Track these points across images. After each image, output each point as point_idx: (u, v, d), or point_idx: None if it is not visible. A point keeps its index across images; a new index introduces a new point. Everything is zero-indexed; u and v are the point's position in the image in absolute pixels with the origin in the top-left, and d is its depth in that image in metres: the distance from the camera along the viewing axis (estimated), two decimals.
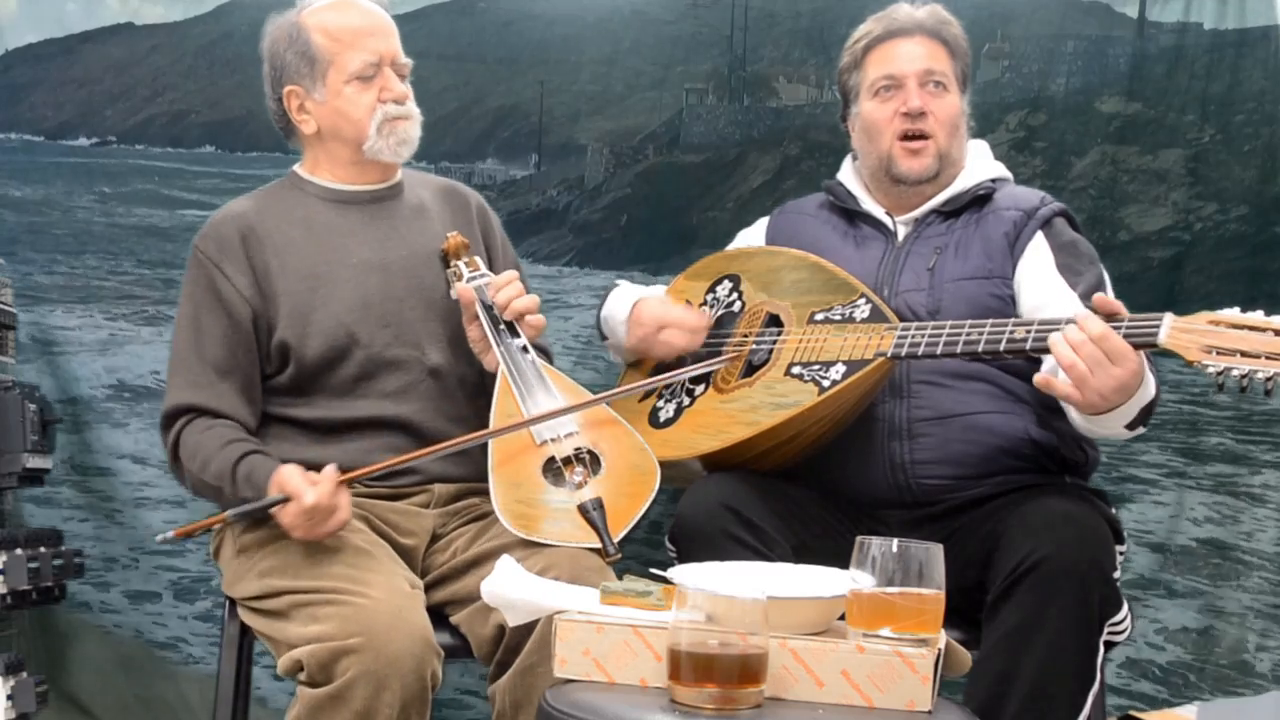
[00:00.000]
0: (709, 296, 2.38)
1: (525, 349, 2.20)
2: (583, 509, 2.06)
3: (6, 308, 2.86)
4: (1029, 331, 1.97)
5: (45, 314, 3.18)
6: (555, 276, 3.21)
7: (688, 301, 2.39)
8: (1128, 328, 1.88)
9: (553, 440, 2.13)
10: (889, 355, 2.07)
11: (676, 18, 3.26)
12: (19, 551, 2.56)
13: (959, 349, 2.02)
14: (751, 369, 2.23)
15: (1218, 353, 1.81)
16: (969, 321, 2.04)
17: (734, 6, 3.21)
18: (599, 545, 2.03)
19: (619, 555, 2.03)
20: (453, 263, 2.26)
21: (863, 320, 2.15)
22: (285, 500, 1.95)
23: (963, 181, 2.30)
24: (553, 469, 2.11)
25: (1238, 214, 3.04)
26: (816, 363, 2.13)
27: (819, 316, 2.20)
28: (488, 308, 2.20)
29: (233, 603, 2.14)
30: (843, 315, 2.18)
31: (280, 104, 2.25)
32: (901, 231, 2.31)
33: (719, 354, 2.28)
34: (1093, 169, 3.08)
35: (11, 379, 2.81)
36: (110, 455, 3.13)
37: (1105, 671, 1.98)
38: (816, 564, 1.74)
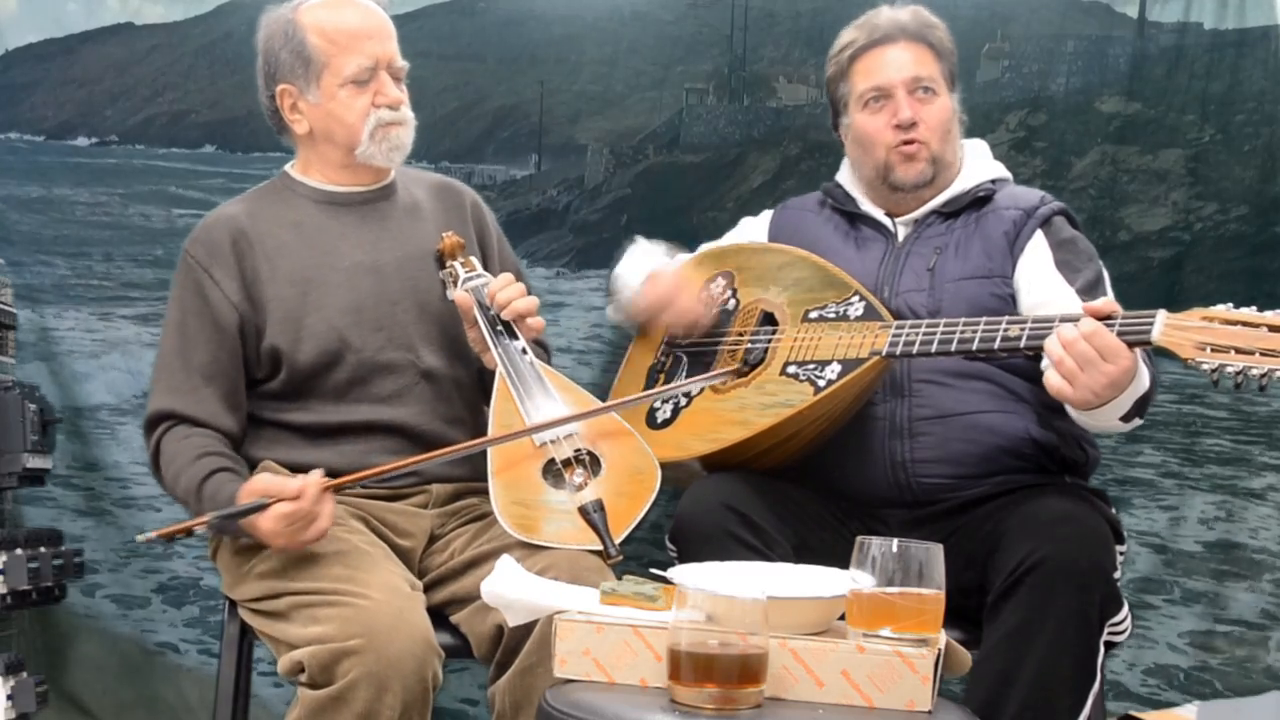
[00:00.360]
0: (703, 294, 2.38)
1: (524, 350, 2.19)
2: (583, 511, 2.05)
3: (6, 308, 2.86)
4: (1023, 329, 1.97)
5: (45, 314, 3.18)
6: (554, 279, 3.21)
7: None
8: (1121, 325, 1.88)
9: (552, 442, 2.12)
10: (884, 354, 2.07)
11: (676, 18, 3.26)
12: (19, 551, 2.56)
13: (953, 347, 2.02)
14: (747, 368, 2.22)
15: (1211, 349, 1.81)
16: (963, 320, 2.04)
17: (734, 6, 3.21)
18: (600, 547, 2.03)
19: (620, 557, 2.02)
20: (448, 263, 2.25)
21: (857, 318, 2.15)
22: (264, 506, 1.92)
23: (962, 183, 2.30)
24: (553, 471, 2.11)
25: (1238, 214, 3.04)
26: (811, 362, 2.13)
27: (813, 314, 2.20)
28: (485, 310, 2.19)
29: (232, 603, 2.14)
30: (837, 313, 2.18)
31: (273, 101, 2.24)
32: (901, 232, 2.30)
33: (716, 352, 2.28)
34: (1093, 169, 3.08)
35: (11, 379, 2.81)
36: (108, 455, 3.13)
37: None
38: (817, 563, 1.74)
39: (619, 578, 1.76)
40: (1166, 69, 3.07)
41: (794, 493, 2.17)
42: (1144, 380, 1.98)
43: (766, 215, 2.47)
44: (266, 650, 2.09)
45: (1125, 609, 1.98)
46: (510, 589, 1.72)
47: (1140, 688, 2.93)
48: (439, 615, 2.09)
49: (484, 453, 2.13)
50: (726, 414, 2.18)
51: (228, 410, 2.15)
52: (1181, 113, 3.05)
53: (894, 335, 2.07)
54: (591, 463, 2.12)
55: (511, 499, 2.08)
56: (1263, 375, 1.78)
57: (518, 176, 3.30)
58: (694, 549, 2.02)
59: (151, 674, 3.12)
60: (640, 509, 2.07)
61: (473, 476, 2.18)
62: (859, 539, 1.53)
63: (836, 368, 2.10)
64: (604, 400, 2.27)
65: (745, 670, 1.40)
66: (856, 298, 2.17)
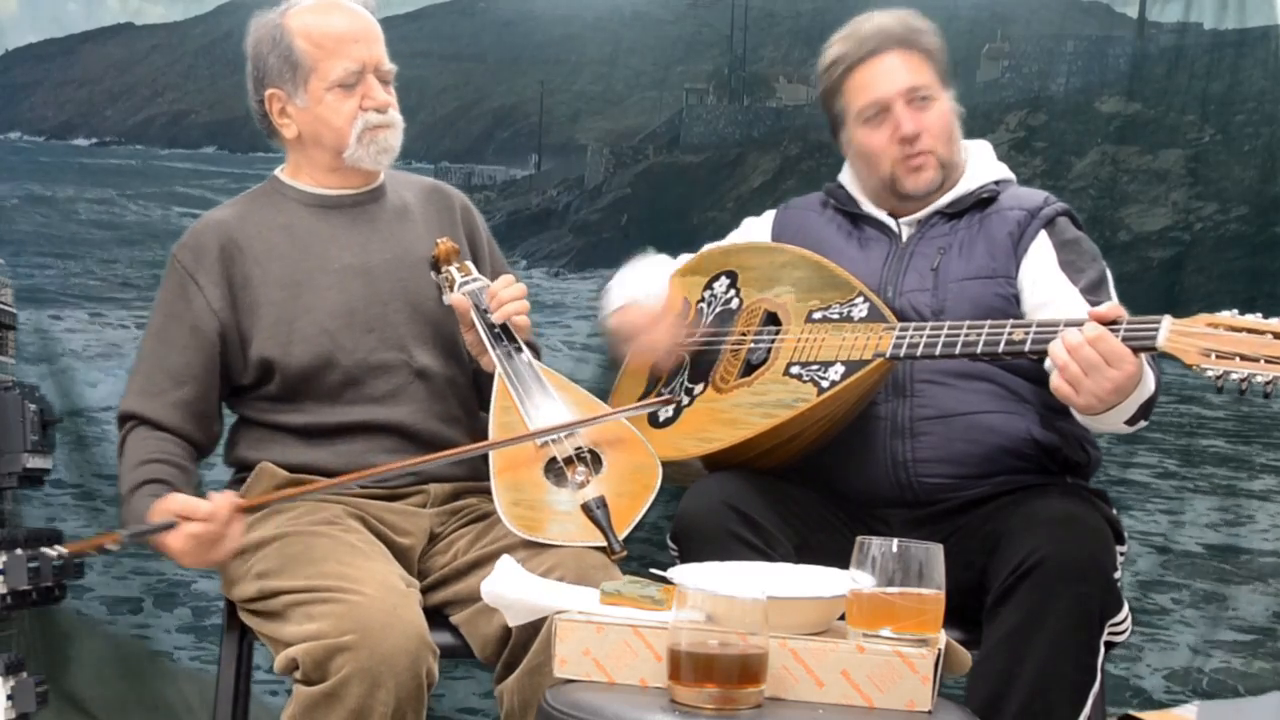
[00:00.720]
0: (706, 293, 2.38)
1: (521, 351, 2.20)
2: (586, 508, 2.06)
3: (6, 308, 2.86)
4: (1027, 333, 1.97)
5: (45, 314, 3.18)
6: (554, 279, 3.21)
7: (685, 299, 2.38)
8: (1126, 331, 1.88)
9: (553, 441, 2.13)
10: (887, 356, 2.07)
11: (676, 18, 3.27)
12: (19, 551, 2.56)
13: (957, 350, 2.02)
14: (750, 368, 2.22)
15: (1217, 356, 1.81)
16: (967, 322, 2.04)
17: (734, 6, 3.22)
18: (604, 544, 2.03)
19: (624, 553, 2.03)
20: (444, 269, 2.26)
21: (860, 319, 2.15)
22: (172, 526, 1.95)
23: (966, 184, 2.29)
24: (554, 469, 2.11)
25: (1238, 214, 3.04)
26: (815, 363, 2.13)
27: (817, 315, 2.20)
28: (482, 313, 2.20)
29: (231, 605, 2.14)
30: (840, 314, 2.17)
31: (262, 105, 2.25)
32: (905, 232, 2.30)
33: (719, 352, 2.28)
34: (1093, 169, 3.08)
35: (11, 379, 2.81)
36: (107, 457, 3.13)
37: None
38: (818, 563, 1.74)
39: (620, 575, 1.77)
40: (1166, 69, 3.07)
41: (795, 492, 2.17)
42: (1149, 384, 1.98)
43: (769, 215, 2.47)
44: (264, 657, 2.09)
45: (1125, 609, 1.98)
46: (510, 589, 1.72)
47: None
48: (441, 616, 2.09)
49: (485, 455, 2.14)
50: (729, 413, 2.18)
51: (191, 416, 2.18)
52: (1181, 113, 3.05)
53: (898, 337, 2.07)
54: (593, 460, 2.12)
55: (514, 499, 2.08)
56: (1268, 382, 1.78)
57: (518, 176, 3.30)
58: (695, 548, 2.02)
59: (151, 674, 3.12)
60: (643, 505, 2.08)
61: (471, 476, 2.19)
62: (859, 539, 1.53)
63: (840, 369, 2.10)
64: (601, 397, 2.28)
65: (745, 670, 1.40)
66: (861, 299, 2.17)
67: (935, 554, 1.50)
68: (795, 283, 2.26)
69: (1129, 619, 2.00)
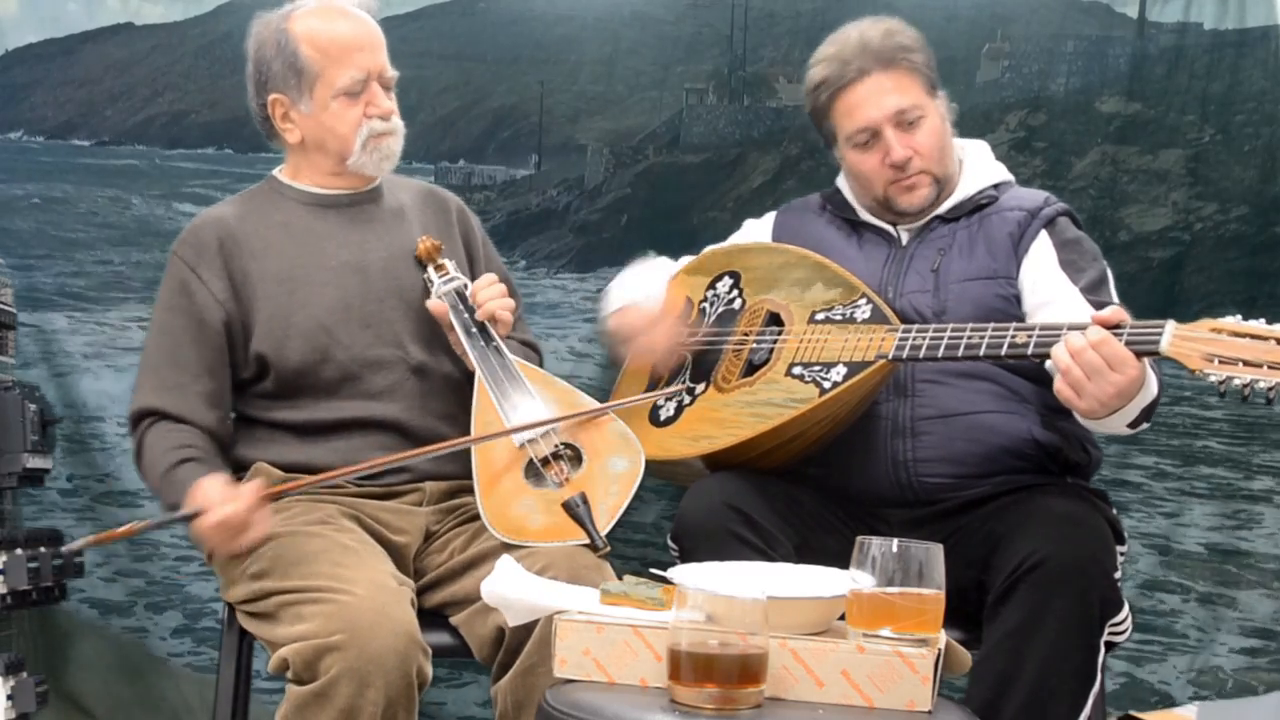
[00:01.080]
0: (709, 293, 2.38)
1: (500, 351, 2.20)
2: (567, 506, 2.06)
3: (6, 308, 2.86)
4: (1030, 336, 1.97)
5: (45, 314, 3.18)
6: (554, 279, 3.21)
7: (688, 299, 2.39)
8: (1129, 335, 1.88)
9: (530, 442, 2.13)
10: (890, 358, 2.07)
11: (676, 18, 3.27)
12: (19, 551, 2.56)
13: (960, 352, 2.02)
14: (752, 368, 2.22)
15: (1220, 361, 1.81)
16: (970, 325, 2.03)
17: (734, 6, 3.22)
18: (587, 541, 2.03)
19: (608, 548, 2.03)
20: (426, 268, 2.27)
21: (863, 321, 2.14)
22: (197, 514, 1.96)
23: (964, 189, 2.29)
24: (534, 470, 2.12)
25: (1238, 214, 3.04)
26: (817, 363, 2.13)
27: (820, 316, 2.20)
28: (459, 313, 2.21)
29: (230, 605, 2.14)
30: (843, 315, 2.17)
31: (264, 108, 2.25)
32: (904, 236, 2.30)
33: (721, 352, 2.28)
34: (1093, 169, 3.08)
35: (11, 379, 2.81)
36: (105, 457, 3.13)
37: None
38: (819, 563, 1.74)
39: (618, 574, 1.77)
40: (1166, 69, 3.07)
41: (796, 492, 2.16)
42: (1152, 388, 1.98)
43: (770, 217, 2.47)
44: (262, 662, 2.09)
45: (1126, 609, 1.98)
46: (510, 589, 1.72)
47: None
48: (438, 616, 2.09)
49: (469, 452, 2.14)
50: (730, 413, 2.18)
51: (210, 408, 2.17)
52: (1181, 113, 3.05)
53: (900, 339, 2.07)
54: (572, 457, 2.13)
55: (495, 503, 2.09)
56: (1270, 388, 1.78)
57: (518, 176, 3.31)
58: (696, 548, 2.02)
59: (151, 674, 3.12)
60: (625, 498, 2.08)
61: (466, 474, 2.19)
62: (859, 539, 1.53)
63: (842, 370, 2.10)
64: (601, 397, 2.29)
65: (745, 670, 1.40)
66: (864, 300, 2.17)
67: (935, 554, 1.51)
68: (798, 283, 2.26)
69: (1129, 619, 2.00)
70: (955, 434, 2.14)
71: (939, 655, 1.48)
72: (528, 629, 1.90)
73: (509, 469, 2.12)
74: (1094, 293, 2.14)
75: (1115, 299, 2.15)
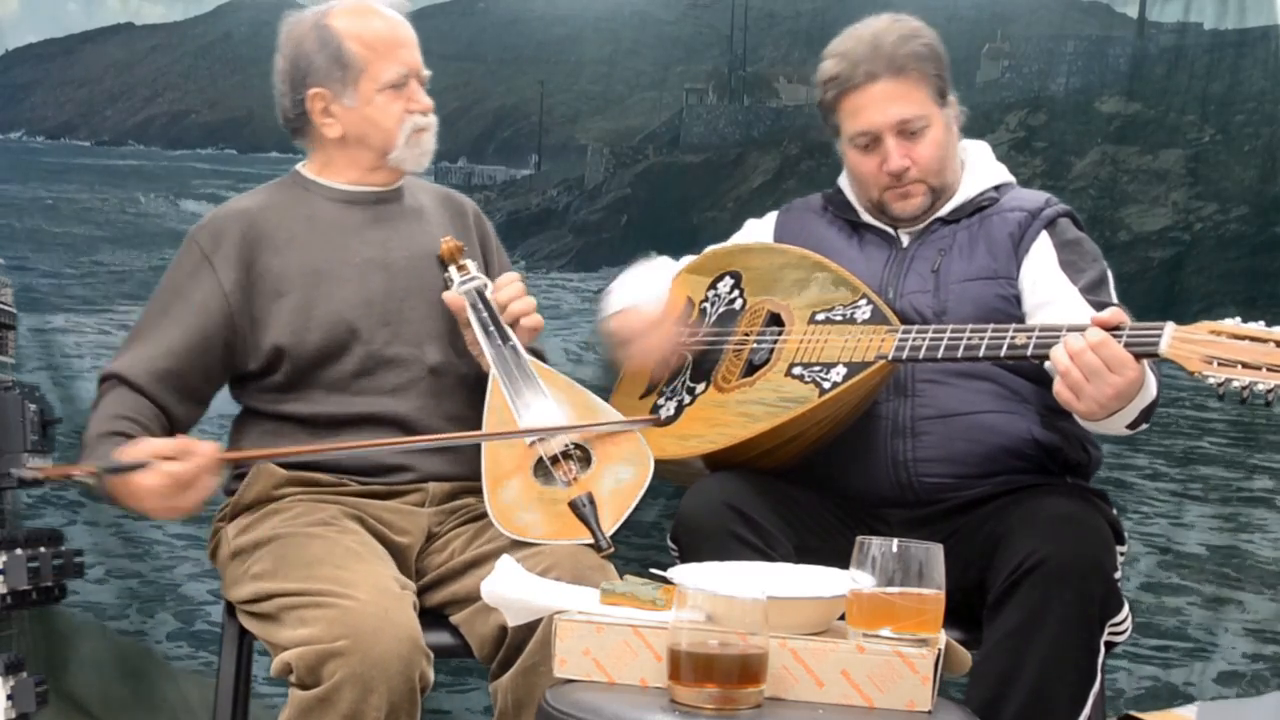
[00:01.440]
0: (710, 293, 2.38)
1: (516, 350, 2.21)
2: (573, 505, 2.07)
3: (6, 308, 2.86)
4: (1030, 337, 1.97)
5: (44, 314, 3.18)
6: (554, 279, 3.21)
7: (689, 299, 2.38)
8: (1129, 336, 1.88)
9: (540, 441, 2.14)
10: (890, 358, 2.07)
11: (676, 18, 3.27)
12: (19, 551, 2.56)
13: (960, 353, 2.02)
14: (752, 368, 2.23)
15: (1219, 363, 1.81)
16: (970, 326, 2.03)
17: (734, 6, 3.22)
18: (592, 541, 2.03)
19: (612, 549, 2.03)
20: (448, 267, 2.27)
21: (864, 321, 2.14)
22: (147, 464, 1.92)
23: (965, 192, 2.29)
24: (542, 468, 2.12)
25: (1238, 214, 3.04)
26: (817, 364, 2.13)
27: (820, 317, 2.20)
28: (478, 311, 2.21)
29: (231, 605, 2.14)
30: (844, 316, 2.17)
31: (298, 104, 2.25)
32: (905, 237, 2.30)
33: (721, 352, 2.28)
34: (1093, 169, 3.08)
35: (11, 379, 2.81)
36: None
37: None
38: (819, 563, 1.74)
39: (621, 575, 1.77)
40: (1166, 69, 3.07)
41: (796, 492, 2.16)
42: (1151, 389, 1.98)
43: (771, 217, 2.47)
44: (261, 667, 2.09)
45: (1126, 609, 1.98)
46: (510, 589, 1.72)
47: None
48: (438, 616, 2.09)
49: (480, 452, 2.14)
50: (730, 413, 2.18)
51: (172, 389, 2.16)
52: (1181, 113, 3.05)
53: (900, 339, 2.07)
54: (581, 457, 2.13)
55: (503, 499, 2.09)
56: (1269, 390, 1.78)
57: (518, 176, 3.31)
58: (695, 548, 2.02)
59: (151, 674, 3.12)
60: (632, 501, 2.08)
61: (470, 475, 2.19)
62: (859, 539, 1.53)
63: (842, 370, 2.10)
64: (601, 396, 2.28)
65: (745, 670, 1.40)
66: (864, 301, 2.17)
67: (935, 554, 1.51)
68: (799, 284, 2.26)
69: (1129, 619, 2.00)
70: (955, 434, 2.14)
71: (939, 655, 1.48)
72: (530, 628, 1.90)
73: (518, 467, 2.13)
74: (1093, 293, 2.14)
75: (1115, 299, 2.16)
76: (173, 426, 2.17)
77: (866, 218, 2.33)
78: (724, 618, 1.40)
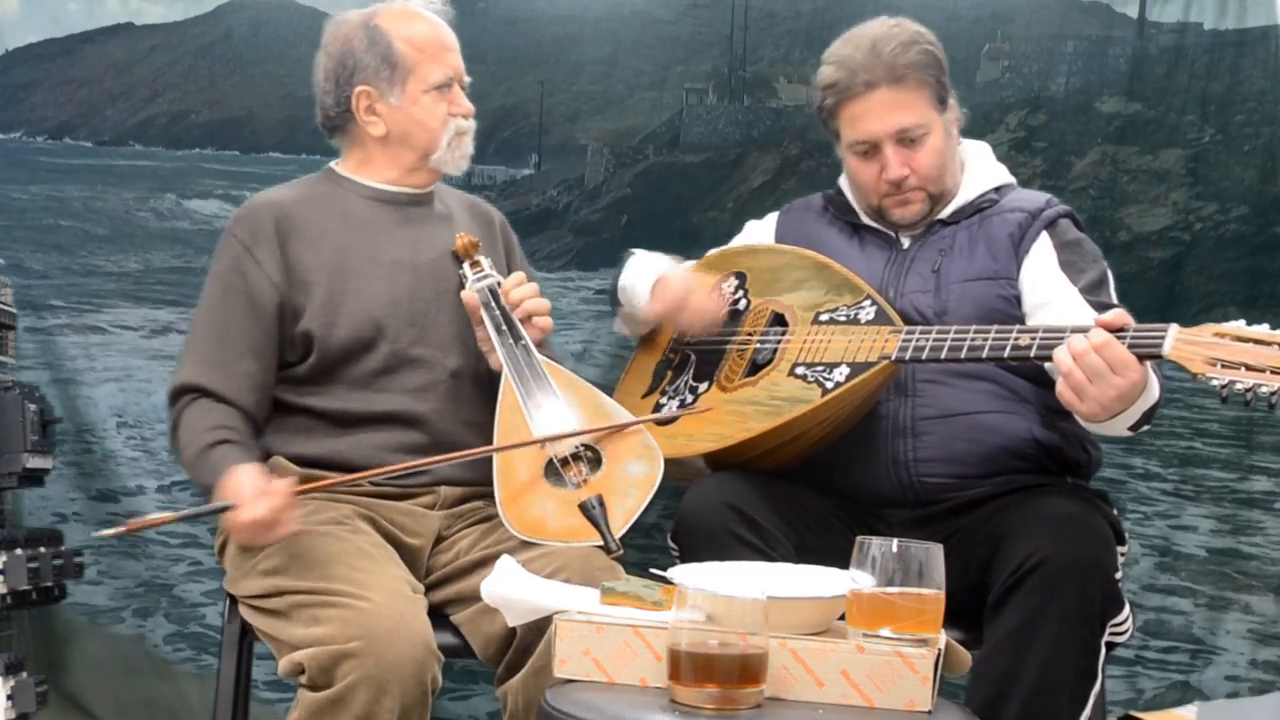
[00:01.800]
0: (715, 293, 2.38)
1: (529, 349, 2.21)
2: (584, 507, 2.06)
3: (6, 308, 2.86)
4: (1033, 339, 1.97)
5: (44, 314, 3.18)
6: (554, 279, 3.22)
7: None
8: (1132, 338, 1.88)
9: (551, 443, 2.13)
10: (893, 359, 2.07)
11: (676, 18, 3.27)
12: (19, 551, 2.56)
13: (963, 354, 2.02)
14: (755, 368, 2.23)
15: (1222, 365, 1.81)
16: (974, 327, 2.03)
17: (734, 6, 3.22)
18: (601, 543, 2.03)
19: (621, 551, 2.03)
20: (462, 264, 2.28)
21: (868, 322, 2.15)
22: (229, 508, 1.94)
23: (965, 194, 2.29)
24: (553, 469, 2.12)
25: (1238, 214, 3.04)
26: (820, 364, 2.13)
27: (824, 317, 2.20)
28: (491, 309, 2.22)
29: (233, 601, 2.13)
30: (848, 316, 2.17)
31: (343, 101, 2.26)
32: (906, 239, 2.30)
33: (725, 351, 2.28)
34: (1093, 169, 3.08)
35: (11, 379, 2.81)
36: (106, 456, 3.13)
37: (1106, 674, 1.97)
38: (819, 563, 1.74)
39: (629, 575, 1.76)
40: (1166, 69, 3.07)
41: (796, 492, 2.16)
42: (1154, 391, 1.98)
43: (772, 218, 2.47)
44: (261, 671, 2.08)
45: (1126, 609, 1.98)
46: (510, 589, 1.72)
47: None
48: (440, 615, 2.09)
49: (492, 455, 2.15)
50: (733, 412, 2.18)
51: (252, 390, 2.17)
52: (1181, 113, 3.05)
53: (904, 340, 2.07)
54: (592, 459, 2.13)
55: (513, 500, 2.09)
56: (1273, 393, 1.78)
57: (518, 176, 3.31)
58: (696, 548, 2.02)
59: (151, 674, 3.11)
60: (641, 503, 2.08)
61: (482, 481, 2.19)
62: (859, 539, 1.53)
63: (845, 370, 2.10)
64: (605, 392, 2.28)
65: (745, 670, 1.40)
66: (868, 301, 2.17)
67: (935, 554, 1.50)
68: (802, 284, 2.27)
69: (1130, 619, 2.00)
70: (956, 434, 2.14)
71: (939, 655, 1.48)
72: (539, 629, 1.89)
73: (529, 468, 2.13)
74: (1093, 293, 2.14)
75: (1115, 300, 2.16)
76: (256, 432, 2.18)
77: (867, 220, 2.33)
78: (724, 618, 1.40)
